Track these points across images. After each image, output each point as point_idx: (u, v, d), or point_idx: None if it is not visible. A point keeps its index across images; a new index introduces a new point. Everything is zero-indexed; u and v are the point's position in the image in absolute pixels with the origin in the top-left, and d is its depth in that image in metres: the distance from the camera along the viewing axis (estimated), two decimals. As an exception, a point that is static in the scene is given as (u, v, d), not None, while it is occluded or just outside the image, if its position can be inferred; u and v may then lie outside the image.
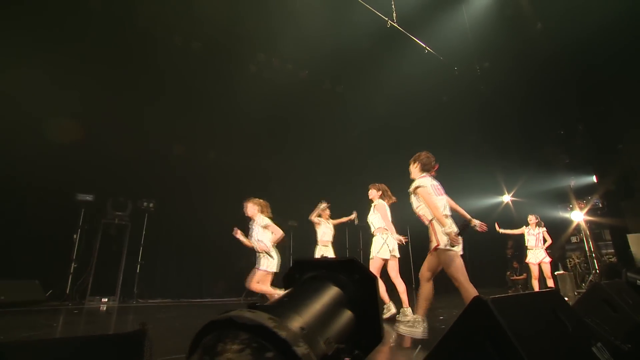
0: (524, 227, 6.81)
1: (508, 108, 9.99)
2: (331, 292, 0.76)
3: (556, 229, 9.39)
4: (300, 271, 0.90)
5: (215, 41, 8.24)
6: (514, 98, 9.83)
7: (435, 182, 3.51)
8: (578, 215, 9.31)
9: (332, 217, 6.31)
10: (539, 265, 6.38)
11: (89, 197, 6.20)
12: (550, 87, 9.29)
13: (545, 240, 6.55)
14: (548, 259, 6.33)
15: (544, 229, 6.62)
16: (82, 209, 6.19)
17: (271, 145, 9.31)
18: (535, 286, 6.39)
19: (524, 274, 9.56)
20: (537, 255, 6.41)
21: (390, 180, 5.45)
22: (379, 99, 10.11)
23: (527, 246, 6.60)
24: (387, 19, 6.57)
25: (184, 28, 7.77)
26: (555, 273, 8.51)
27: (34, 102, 5.77)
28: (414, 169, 3.60)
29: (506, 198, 10.70)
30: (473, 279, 8.96)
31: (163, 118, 7.52)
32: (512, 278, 9.69)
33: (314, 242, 6.64)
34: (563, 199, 9.50)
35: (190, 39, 8.03)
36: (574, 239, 9.81)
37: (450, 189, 10.57)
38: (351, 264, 0.82)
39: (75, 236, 6.04)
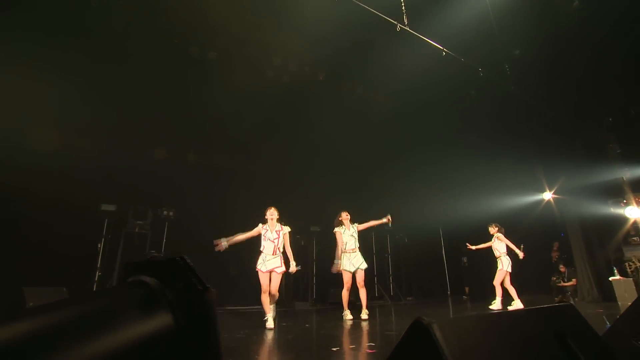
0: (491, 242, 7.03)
1: (544, 97, 9.14)
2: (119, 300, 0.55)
3: (609, 228, 8.36)
4: (127, 274, 0.70)
5: (231, 51, 8.33)
6: (551, 86, 8.97)
7: None
8: (634, 212, 8.22)
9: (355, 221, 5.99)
10: (506, 272, 6.65)
11: (111, 208, 6.43)
12: (591, 71, 8.36)
13: (507, 247, 6.84)
14: (510, 268, 6.68)
15: (499, 234, 6.93)
16: (105, 219, 6.43)
17: (291, 153, 9.24)
18: (499, 292, 6.60)
19: (574, 280, 8.59)
20: (504, 262, 6.69)
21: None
22: (400, 97, 9.73)
23: (496, 257, 6.84)
24: (396, 22, 6.02)
25: (204, 38, 7.93)
26: (610, 279, 7.55)
27: (58, 117, 6.12)
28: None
29: (547, 195, 9.75)
30: (514, 285, 8.27)
31: (181, 127, 7.72)
32: (559, 284, 8.73)
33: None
34: (615, 193, 8.44)
35: (208, 49, 8.20)
36: (634, 239, 8.66)
37: (484, 189, 9.91)
38: (173, 266, 0.60)
39: (99, 245, 6.27)
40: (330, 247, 8.27)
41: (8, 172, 5.74)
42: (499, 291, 6.62)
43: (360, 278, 5.33)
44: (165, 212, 7.01)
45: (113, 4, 6.80)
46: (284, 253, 4.68)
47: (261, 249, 4.64)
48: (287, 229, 4.76)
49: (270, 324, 4.26)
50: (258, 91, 8.59)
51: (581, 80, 8.74)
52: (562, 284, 8.65)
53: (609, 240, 8.40)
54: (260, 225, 4.67)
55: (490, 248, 7.00)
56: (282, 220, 4.90)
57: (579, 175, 8.48)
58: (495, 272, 6.76)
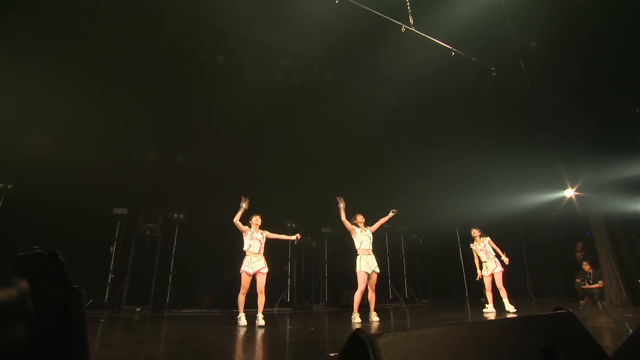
0: (471, 245, 6.79)
1: (564, 89, 8.70)
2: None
3: (637, 227, 7.86)
4: (17, 268, 0.64)
5: (239, 54, 8.35)
6: (572, 77, 8.53)
7: None
8: (666, 209, 7.69)
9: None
10: (492, 276, 6.35)
11: (123, 211, 6.54)
12: (614, 59, 7.89)
13: (495, 251, 6.55)
14: (500, 269, 6.31)
15: (488, 238, 6.64)
16: (117, 222, 6.56)
17: (301, 154, 9.19)
18: (489, 297, 6.33)
19: (600, 282, 8.10)
20: (489, 267, 6.40)
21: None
22: (413, 96, 9.51)
23: (481, 261, 6.58)
24: (401, 23, 5.79)
25: (210, 42, 8.01)
26: (640, 280, 7.08)
27: (73, 125, 6.30)
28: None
29: (569, 193, 9.28)
30: (535, 287, 7.90)
31: (191, 131, 7.80)
32: (583, 287, 8.26)
33: (348, 249, 6.33)
34: (644, 189, 7.93)
35: (217, 53, 8.26)
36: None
37: (502, 187, 9.53)
38: (47, 262, 0.53)
39: (111, 248, 6.39)
40: (342, 249, 8.18)
41: (26, 182, 5.96)
42: (490, 297, 6.36)
43: (373, 281, 5.22)
44: (175, 215, 7.08)
45: (124, 12, 6.97)
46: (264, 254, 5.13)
47: (246, 248, 5.01)
48: (266, 232, 5.28)
49: (243, 321, 4.66)
50: (268, 93, 8.59)
51: (606, 71, 8.27)
52: (588, 286, 8.17)
53: (639, 239, 7.90)
54: (246, 227, 5.13)
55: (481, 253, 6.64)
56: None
57: (604, 171, 8.00)
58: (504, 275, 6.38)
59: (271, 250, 7.31)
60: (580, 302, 8.11)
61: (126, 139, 6.81)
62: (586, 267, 8.25)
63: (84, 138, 6.55)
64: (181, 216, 7.13)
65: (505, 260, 6.38)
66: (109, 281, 6.27)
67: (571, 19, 7.60)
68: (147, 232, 6.69)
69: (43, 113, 6.29)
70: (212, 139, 8.18)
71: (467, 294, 9.66)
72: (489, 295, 6.32)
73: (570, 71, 8.49)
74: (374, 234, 5.55)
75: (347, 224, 5.41)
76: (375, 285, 5.26)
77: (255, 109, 8.53)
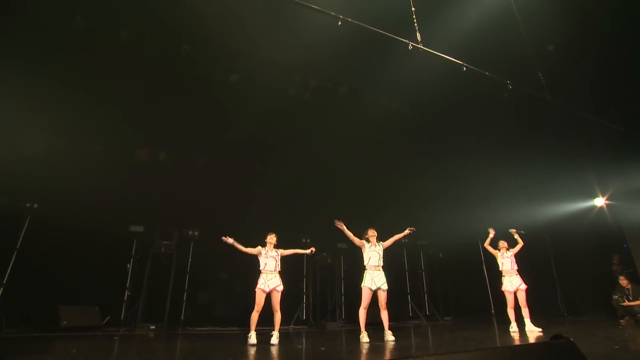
0: (493, 249, 6.39)
1: (589, 93, 8.32)
2: None
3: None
4: None
5: (253, 72, 8.50)
6: (595, 80, 8.16)
7: None
8: None
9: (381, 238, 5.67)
10: (515, 293, 5.91)
11: (139, 229, 6.68)
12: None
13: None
14: (524, 286, 5.90)
15: (515, 250, 6.25)
16: (134, 239, 6.69)
17: (315, 171, 9.17)
18: (511, 315, 5.89)
19: (641, 298, 7.45)
20: (513, 282, 5.96)
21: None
22: (426, 107, 9.38)
23: (501, 271, 6.15)
24: (408, 41, 5.62)
25: (225, 62, 8.22)
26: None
27: (92, 143, 6.58)
28: None
29: (599, 201, 8.72)
30: (568, 304, 7.25)
31: (206, 149, 7.98)
32: (622, 304, 7.61)
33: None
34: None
35: (231, 72, 8.47)
36: None
37: (526, 198, 9.07)
38: None
39: (128, 265, 6.51)
40: (359, 265, 7.97)
41: (48, 202, 6.24)
42: (512, 314, 5.91)
43: (382, 299, 4.99)
44: (190, 232, 7.16)
45: (142, 38, 7.32)
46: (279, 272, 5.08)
47: (262, 267, 4.97)
48: (280, 250, 5.23)
49: (253, 340, 4.59)
50: (281, 109, 8.73)
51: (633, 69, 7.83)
52: (627, 303, 7.53)
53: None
54: (259, 247, 5.09)
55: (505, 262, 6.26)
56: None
57: (637, 178, 7.49)
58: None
59: (286, 267, 7.19)
60: (621, 321, 7.46)
61: (142, 159, 7.01)
62: (623, 282, 7.62)
63: (103, 157, 6.82)
64: (196, 233, 7.20)
65: (520, 232, 6.20)
66: (125, 299, 6.35)
67: (592, 24, 7.31)
68: (163, 250, 6.78)
69: (66, 137, 6.63)
70: (226, 157, 8.33)
71: (493, 311, 9.13)
72: (511, 313, 5.90)
73: (592, 78, 8.13)
74: (386, 250, 5.35)
75: (356, 240, 5.26)
76: (387, 303, 5.02)
77: (271, 127, 8.66)
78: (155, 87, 7.38)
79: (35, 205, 6.34)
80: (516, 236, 6.28)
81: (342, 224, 5.20)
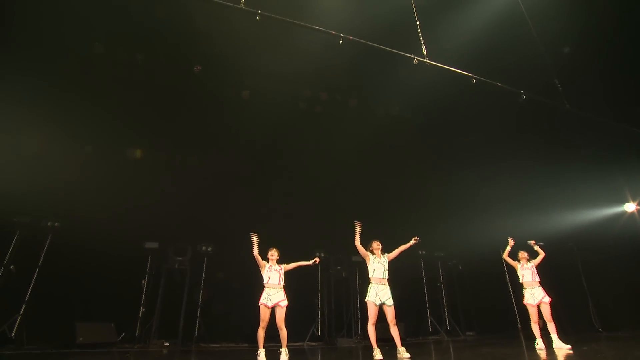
0: (512, 261, 6.02)
1: (611, 97, 7.94)
2: None
3: None
4: None
5: (264, 88, 8.63)
6: (616, 81, 7.78)
7: None
8: None
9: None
10: (538, 306, 5.53)
11: (154, 245, 6.80)
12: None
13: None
14: (548, 299, 5.50)
15: (537, 261, 5.83)
16: (149, 255, 6.80)
17: (326, 186, 9.12)
18: (536, 330, 5.49)
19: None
20: (535, 294, 5.58)
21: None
22: (440, 118, 9.22)
23: (522, 283, 5.80)
24: (413, 56, 5.45)
25: (235, 78, 8.39)
26: None
27: (110, 166, 6.82)
28: None
29: (630, 207, 8.19)
30: (602, 319, 6.71)
31: (218, 166, 8.11)
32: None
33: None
34: None
35: (241, 89, 8.64)
36: None
37: (550, 204, 8.61)
38: None
39: (143, 282, 6.60)
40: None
41: (67, 220, 6.47)
42: (536, 329, 5.52)
43: (390, 315, 4.80)
44: (204, 248, 7.21)
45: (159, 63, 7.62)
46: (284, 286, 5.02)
47: (265, 282, 4.90)
48: (283, 265, 5.18)
49: (262, 358, 4.52)
50: (293, 123, 8.81)
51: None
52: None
53: None
54: (265, 262, 5.08)
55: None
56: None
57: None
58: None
59: (300, 281, 7.13)
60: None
61: (154, 177, 7.20)
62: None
63: (122, 178, 7.04)
64: (209, 249, 7.24)
65: (539, 244, 5.75)
66: (139, 315, 6.42)
67: (605, 23, 7.02)
68: (176, 265, 6.85)
69: (85, 159, 6.92)
70: (238, 172, 8.43)
71: (519, 326, 8.62)
72: (536, 328, 5.51)
73: (611, 80, 7.76)
74: (391, 262, 5.18)
75: (362, 249, 5.12)
76: (395, 318, 4.82)
77: (284, 143, 8.75)
78: (170, 109, 7.65)
79: (57, 224, 6.59)
80: (536, 247, 5.86)
81: (360, 227, 5.13)
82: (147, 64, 7.31)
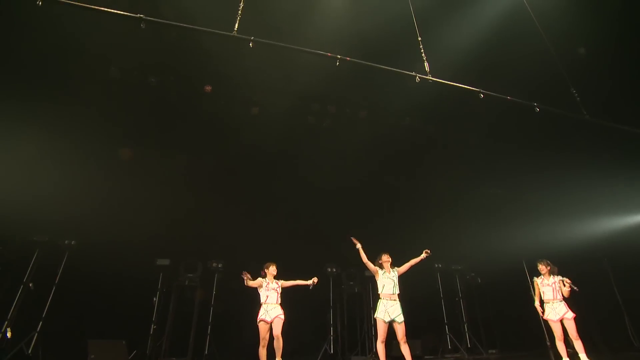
0: (535, 278, 5.64)
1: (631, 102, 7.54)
2: None
3: None
4: None
5: (272, 104, 8.74)
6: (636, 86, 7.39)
7: None
8: None
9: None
10: (561, 322, 5.15)
11: (165, 262, 6.87)
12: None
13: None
14: (571, 314, 5.12)
15: (559, 276, 5.32)
16: (160, 272, 6.87)
17: (337, 200, 9.03)
18: (562, 349, 5.09)
19: None
20: (556, 310, 5.20)
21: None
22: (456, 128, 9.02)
23: (543, 300, 5.43)
24: (415, 73, 5.26)
25: (243, 94, 8.53)
26: None
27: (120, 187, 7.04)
28: None
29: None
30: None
31: (226, 182, 8.21)
32: None
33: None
34: None
35: (251, 105, 8.77)
36: None
37: (579, 210, 8.13)
38: None
39: (154, 299, 6.65)
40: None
41: (81, 238, 6.67)
42: (562, 348, 5.10)
43: (400, 333, 4.60)
44: (214, 264, 7.22)
45: (168, 82, 7.88)
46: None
47: (263, 301, 4.93)
48: (281, 281, 5.18)
49: None
50: (301, 139, 8.85)
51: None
52: None
53: None
54: (260, 279, 5.07)
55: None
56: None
57: None
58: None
59: (311, 297, 6.95)
60: None
61: (165, 196, 7.34)
62: None
63: (137, 199, 7.24)
64: (220, 265, 7.25)
65: (574, 287, 5.19)
66: (151, 332, 6.44)
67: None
68: (187, 282, 6.87)
69: (97, 179, 7.17)
70: (250, 188, 8.51)
71: (548, 342, 8.04)
72: (561, 347, 5.11)
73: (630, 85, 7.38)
74: (401, 276, 4.99)
75: (370, 265, 4.98)
76: (406, 335, 4.61)
77: (292, 157, 8.78)
78: (178, 128, 7.85)
79: (73, 242, 6.79)
80: (567, 288, 5.18)
81: (358, 242, 4.99)
82: (159, 88, 7.55)
